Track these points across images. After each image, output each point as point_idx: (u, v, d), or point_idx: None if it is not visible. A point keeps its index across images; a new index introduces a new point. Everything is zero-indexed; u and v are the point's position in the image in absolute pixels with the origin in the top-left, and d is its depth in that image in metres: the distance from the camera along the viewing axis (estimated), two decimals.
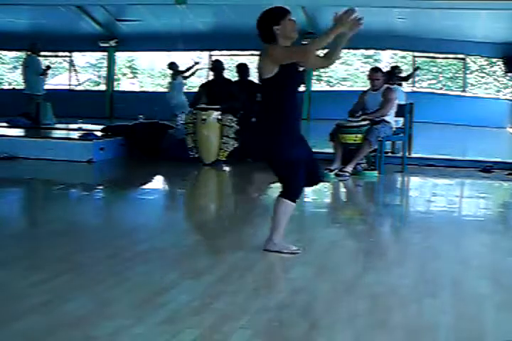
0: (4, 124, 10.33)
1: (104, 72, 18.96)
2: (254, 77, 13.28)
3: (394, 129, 7.75)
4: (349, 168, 7.29)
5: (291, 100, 3.92)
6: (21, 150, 8.10)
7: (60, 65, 21.55)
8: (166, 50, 17.69)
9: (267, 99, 3.97)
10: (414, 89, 16.98)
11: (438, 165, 8.39)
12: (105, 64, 17.91)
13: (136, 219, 5.24)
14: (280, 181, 4.02)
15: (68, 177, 7.33)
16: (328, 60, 4.03)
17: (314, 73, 18.40)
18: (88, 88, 20.38)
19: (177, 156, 8.23)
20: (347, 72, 24.50)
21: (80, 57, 21.28)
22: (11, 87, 20.62)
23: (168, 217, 5.52)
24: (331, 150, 7.60)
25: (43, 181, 7.18)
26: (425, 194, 7.04)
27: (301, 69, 3.97)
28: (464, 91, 18.23)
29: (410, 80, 13.47)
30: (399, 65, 14.13)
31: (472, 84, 20.20)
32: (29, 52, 11.53)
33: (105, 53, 17.23)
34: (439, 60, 20.52)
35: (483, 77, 21.33)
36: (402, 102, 8.38)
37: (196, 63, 12.05)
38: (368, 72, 8.12)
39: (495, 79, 20.98)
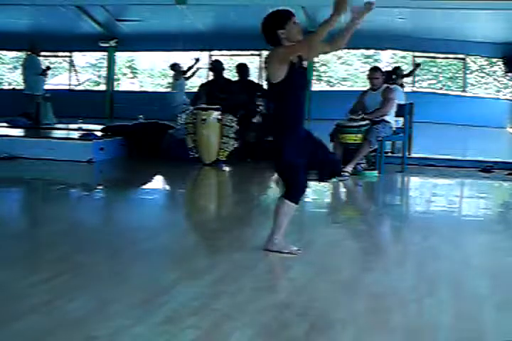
0: (4, 124, 10.33)
1: (104, 72, 18.96)
2: (254, 77, 13.33)
3: (394, 129, 7.75)
4: (349, 168, 7.29)
5: (297, 102, 3.93)
6: (21, 150, 8.10)
7: (60, 65, 21.55)
8: (166, 50, 17.69)
9: (275, 101, 3.97)
10: (414, 89, 16.99)
11: (438, 165, 8.40)
12: (105, 64, 17.91)
13: (136, 219, 5.24)
14: (283, 181, 4.02)
15: (68, 177, 7.33)
16: (333, 46, 4.00)
17: (314, 73, 18.42)
18: (88, 88, 20.37)
19: (177, 156, 8.23)
20: (347, 72, 24.50)
21: (80, 57, 21.27)
22: (11, 87, 20.61)
23: (168, 217, 5.52)
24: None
25: (43, 181, 7.18)
26: (425, 194, 7.05)
27: (304, 64, 3.95)
28: (464, 91, 18.23)
29: (410, 80, 13.47)
30: (399, 65, 14.15)
31: (472, 84, 20.19)
32: (29, 52, 11.53)
33: (105, 53, 17.23)
34: (439, 60, 20.51)
35: (483, 77, 21.31)
36: (402, 102, 8.38)
37: (197, 60, 12.02)
38: (367, 72, 8.14)
39: (495, 79, 20.97)
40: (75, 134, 8.96)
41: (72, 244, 4.20)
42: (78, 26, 15.49)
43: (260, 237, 4.22)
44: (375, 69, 7.95)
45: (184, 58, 14.55)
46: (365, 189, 7.25)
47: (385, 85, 7.84)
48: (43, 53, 12.06)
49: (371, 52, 22.08)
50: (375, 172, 7.59)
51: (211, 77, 9.15)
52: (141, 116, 9.78)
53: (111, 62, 17.10)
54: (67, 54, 18.63)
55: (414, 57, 17.93)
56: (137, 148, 8.76)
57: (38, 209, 5.74)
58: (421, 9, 11.28)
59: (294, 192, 3.99)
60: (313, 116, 15.10)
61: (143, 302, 3.08)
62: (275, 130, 3.98)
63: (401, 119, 7.98)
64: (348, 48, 17.91)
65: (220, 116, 8.04)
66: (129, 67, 24.62)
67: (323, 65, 23.19)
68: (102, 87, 18.92)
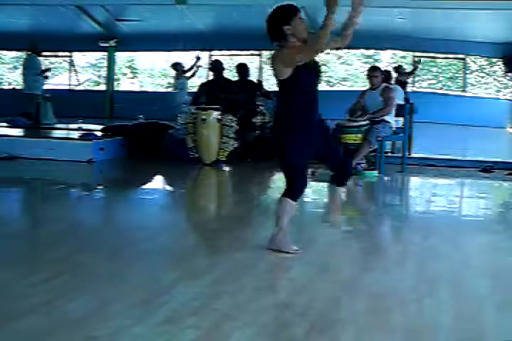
0: (4, 124, 10.33)
1: (104, 72, 18.97)
2: (254, 77, 13.31)
3: (394, 129, 7.75)
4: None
5: (303, 101, 3.90)
6: (21, 150, 8.10)
7: (60, 65, 21.55)
8: (166, 50, 17.71)
9: (282, 98, 3.97)
10: (414, 89, 16.99)
11: (438, 165, 8.40)
12: (105, 64, 17.91)
13: (136, 219, 5.24)
14: (285, 179, 4.03)
15: (68, 177, 7.33)
16: (335, 44, 3.98)
17: None
18: (88, 88, 20.38)
19: (177, 156, 8.24)
20: (347, 72, 24.51)
21: (80, 57, 21.29)
22: (11, 87, 20.61)
23: (168, 217, 5.52)
24: None
25: (43, 181, 7.18)
26: (425, 194, 7.05)
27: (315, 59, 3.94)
28: (464, 91, 18.24)
29: (410, 80, 13.48)
30: (399, 64, 14.15)
31: (472, 84, 20.20)
32: (29, 52, 11.53)
33: (105, 53, 17.23)
34: (439, 60, 20.52)
35: (483, 77, 21.32)
36: (401, 102, 8.39)
37: (198, 58, 12.02)
38: (366, 71, 8.14)
39: (495, 79, 20.97)
40: (75, 134, 8.97)
41: (72, 244, 4.20)
42: (78, 26, 15.49)
43: (260, 237, 4.22)
44: (374, 69, 7.98)
45: (184, 58, 14.54)
46: (365, 189, 7.25)
47: (384, 84, 7.85)
48: (43, 53, 12.05)
49: (371, 52, 22.09)
50: (375, 172, 7.59)
51: (211, 77, 9.14)
52: (141, 116, 9.79)
53: (111, 62, 17.10)
54: (67, 54, 18.64)
55: (414, 57, 17.92)
56: (137, 148, 8.76)
57: (38, 209, 5.74)
58: (421, 9, 11.28)
59: (293, 190, 4.00)
60: None
61: (143, 302, 3.08)
62: (280, 129, 3.97)
63: (401, 119, 7.99)
64: (348, 48, 17.89)
65: (220, 116, 8.04)
66: (129, 67, 24.63)
67: (323, 64, 23.19)
68: (102, 87, 18.93)
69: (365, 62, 22.72)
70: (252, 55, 17.81)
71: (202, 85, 9.07)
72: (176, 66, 12.25)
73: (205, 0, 11.48)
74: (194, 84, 11.84)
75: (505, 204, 6.75)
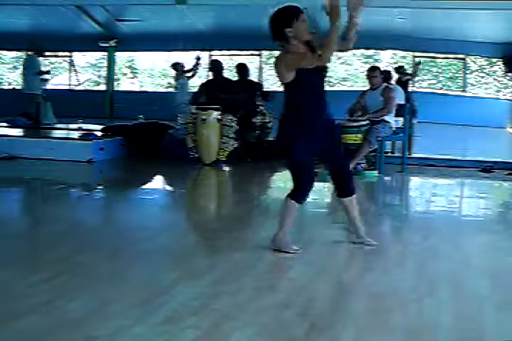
0: (4, 124, 10.33)
1: (104, 72, 18.97)
2: (254, 77, 13.31)
3: (394, 129, 7.75)
4: (350, 166, 7.28)
5: (310, 100, 3.91)
6: (21, 150, 8.10)
7: (60, 65, 21.55)
8: (166, 50, 17.72)
9: (287, 100, 3.97)
10: (414, 89, 16.98)
11: (438, 165, 8.41)
12: (105, 64, 17.92)
13: (136, 219, 5.24)
14: (292, 179, 4.04)
15: (68, 177, 7.33)
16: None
17: None
18: (88, 88, 20.38)
19: (177, 156, 8.24)
20: (347, 72, 24.51)
21: (80, 57, 21.29)
22: (11, 87, 20.62)
23: (168, 217, 5.52)
24: None
25: (43, 181, 7.18)
26: (425, 194, 7.05)
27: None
28: (464, 91, 18.24)
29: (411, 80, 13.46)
30: (399, 64, 14.11)
31: (472, 84, 20.20)
32: (30, 52, 11.52)
33: (105, 53, 17.23)
34: (439, 60, 20.52)
35: (483, 77, 21.32)
36: (402, 102, 8.39)
37: (198, 59, 12.00)
38: (366, 72, 8.13)
39: (495, 79, 20.98)
40: (75, 134, 8.97)
41: (72, 244, 4.20)
42: (78, 26, 15.50)
43: (260, 237, 4.22)
44: (373, 69, 7.96)
45: (184, 58, 14.54)
46: (365, 189, 7.25)
47: (385, 84, 7.85)
48: (45, 53, 12.04)
49: (371, 52, 22.09)
50: (375, 172, 7.59)
51: (211, 77, 9.15)
52: (141, 116, 9.79)
53: (111, 62, 17.10)
54: (67, 54, 18.66)
55: (414, 57, 17.93)
56: (137, 148, 8.77)
57: (38, 209, 5.74)
58: (421, 9, 11.28)
59: (298, 192, 4.01)
60: None
61: (143, 302, 3.08)
62: (287, 130, 3.97)
63: (401, 119, 7.98)
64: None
65: (220, 116, 8.04)
66: (129, 67, 24.63)
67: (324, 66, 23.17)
68: (102, 87, 18.93)
69: (365, 62, 22.72)
70: (252, 55, 17.82)
71: (202, 85, 9.07)
72: (176, 66, 12.22)
73: (205, 0, 11.47)
74: (194, 84, 11.83)
75: (505, 204, 6.75)
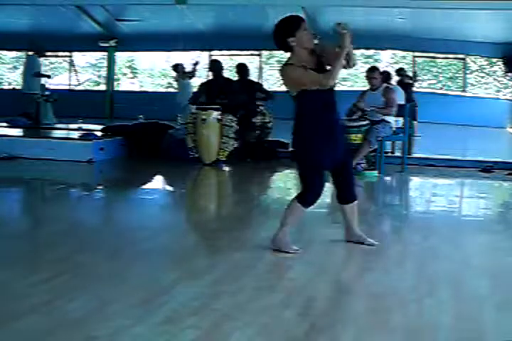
0: (4, 124, 10.33)
1: (104, 72, 18.96)
2: (254, 77, 13.31)
3: (394, 129, 7.75)
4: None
5: (320, 104, 3.92)
6: (21, 150, 8.10)
7: (60, 65, 21.55)
8: (166, 50, 17.72)
9: (298, 107, 3.97)
10: (414, 89, 16.97)
11: (438, 165, 8.41)
12: (105, 64, 17.91)
13: (136, 219, 5.24)
14: (302, 181, 4.06)
15: (68, 177, 7.33)
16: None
17: None
18: (88, 88, 20.37)
19: (177, 156, 8.24)
20: (347, 71, 24.49)
21: (80, 57, 21.28)
22: (11, 87, 20.61)
23: (168, 217, 5.52)
24: None
25: (43, 181, 7.18)
26: (425, 194, 7.05)
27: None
28: (464, 91, 18.23)
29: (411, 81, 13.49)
30: (398, 65, 14.14)
31: (472, 84, 20.19)
32: (31, 53, 11.51)
33: (105, 53, 17.23)
34: (439, 60, 20.51)
35: (483, 77, 21.31)
36: (402, 102, 8.39)
37: (196, 64, 12.01)
38: (365, 72, 8.10)
39: (495, 79, 20.97)
40: (75, 134, 8.97)
41: (72, 244, 4.20)
42: (78, 26, 15.49)
43: (260, 237, 4.22)
44: (373, 70, 7.92)
45: (184, 58, 14.55)
46: (365, 189, 7.24)
47: (385, 85, 7.85)
48: (46, 53, 12.02)
49: (371, 52, 22.06)
50: (375, 172, 7.59)
51: (211, 77, 9.14)
52: (141, 116, 9.78)
53: (111, 62, 17.10)
54: (67, 54, 18.65)
55: (414, 57, 17.93)
56: (137, 148, 8.77)
57: (38, 209, 5.74)
58: (421, 9, 11.28)
59: (305, 196, 4.02)
60: None
61: (143, 302, 3.08)
62: (299, 135, 3.99)
63: (401, 119, 7.98)
64: None
65: (220, 116, 8.04)
66: (129, 67, 24.61)
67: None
68: (102, 87, 18.92)
69: (365, 62, 22.66)
70: (252, 55, 17.81)
71: (202, 85, 9.07)
72: (177, 67, 12.24)
73: (205, 0, 11.47)
74: (194, 84, 11.83)
75: (505, 204, 6.75)
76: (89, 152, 8.11)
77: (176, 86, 12.98)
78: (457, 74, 20.16)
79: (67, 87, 18.26)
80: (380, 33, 14.31)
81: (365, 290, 3.44)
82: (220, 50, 16.80)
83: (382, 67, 15.67)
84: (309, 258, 3.95)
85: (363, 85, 15.79)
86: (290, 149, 7.63)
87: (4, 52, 22.43)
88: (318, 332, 2.82)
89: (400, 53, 21.02)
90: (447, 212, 5.87)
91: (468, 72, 18.96)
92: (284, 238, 4.02)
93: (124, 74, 23.91)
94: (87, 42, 16.39)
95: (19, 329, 2.73)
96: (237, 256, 3.91)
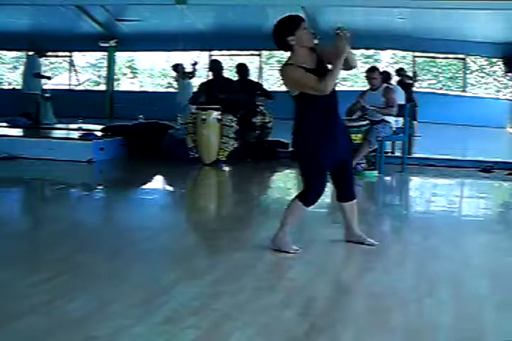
0: (4, 124, 10.33)
1: (104, 72, 18.96)
2: (254, 77, 13.31)
3: (394, 129, 7.75)
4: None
5: (318, 111, 3.92)
6: (21, 150, 8.10)
7: (60, 65, 21.54)
8: (166, 50, 17.72)
9: (296, 109, 3.98)
10: (414, 89, 16.98)
11: (438, 165, 8.40)
12: (105, 64, 17.91)
13: (136, 219, 5.24)
14: (303, 183, 4.06)
15: (68, 177, 7.33)
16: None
17: None
18: (88, 88, 20.37)
19: (177, 156, 8.24)
20: (347, 72, 24.48)
21: (80, 57, 21.28)
22: (11, 87, 20.61)
23: (168, 216, 5.52)
24: None
25: (43, 181, 7.18)
26: (425, 194, 7.05)
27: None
28: (464, 91, 18.23)
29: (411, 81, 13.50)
30: (398, 65, 14.13)
31: (472, 84, 20.18)
32: (32, 53, 11.50)
33: (105, 53, 17.23)
34: (439, 60, 20.51)
35: (483, 77, 21.31)
36: (402, 102, 8.39)
37: (194, 64, 12.02)
38: (365, 73, 8.09)
39: (495, 79, 20.96)
40: (75, 134, 8.97)
41: (72, 244, 4.20)
42: (78, 26, 15.49)
43: (260, 237, 4.22)
44: (372, 70, 7.90)
45: (184, 58, 14.54)
46: (365, 189, 7.24)
47: (385, 85, 7.85)
48: (47, 53, 12.01)
49: (371, 52, 22.06)
50: (375, 173, 7.59)
51: (211, 77, 9.14)
52: (141, 116, 9.78)
53: (111, 62, 17.09)
54: (67, 54, 18.64)
55: (414, 57, 17.93)
56: (137, 148, 8.77)
57: (38, 209, 5.74)
58: (421, 9, 11.28)
59: (307, 195, 4.01)
60: None
61: (143, 302, 3.08)
62: (296, 136, 4.01)
63: (401, 119, 7.98)
64: None
65: (220, 116, 8.04)
66: (129, 67, 24.61)
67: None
68: (102, 87, 18.92)
69: (365, 62, 22.67)
70: (252, 55, 17.81)
71: (202, 85, 9.07)
72: (177, 67, 12.24)
73: (205, 0, 11.47)
74: (194, 84, 11.83)
75: (505, 204, 6.75)
76: (89, 152, 8.11)
77: (176, 86, 12.99)
78: (457, 74, 20.17)
79: (67, 87, 18.27)
80: (380, 33, 14.31)
81: (365, 290, 3.44)
82: (220, 50, 16.80)
83: (382, 67, 15.68)
84: (309, 258, 3.95)
85: (362, 85, 15.80)
86: (290, 149, 7.64)
87: (4, 52, 22.43)
88: (318, 332, 2.82)
89: (400, 53, 21.02)
90: (447, 212, 5.87)
91: (468, 72, 18.96)
92: (284, 238, 4.02)
93: (124, 74, 23.91)
94: (87, 42, 16.39)
95: (19, 329, 2.73)
96: (237, 256, 3.91)
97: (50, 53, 14.29)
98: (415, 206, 6.40)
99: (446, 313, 3.05)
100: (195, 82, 11.35)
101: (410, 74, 13.04)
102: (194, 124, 8.09)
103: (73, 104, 14.02)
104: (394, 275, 3.68)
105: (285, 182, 7.81)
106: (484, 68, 21.06)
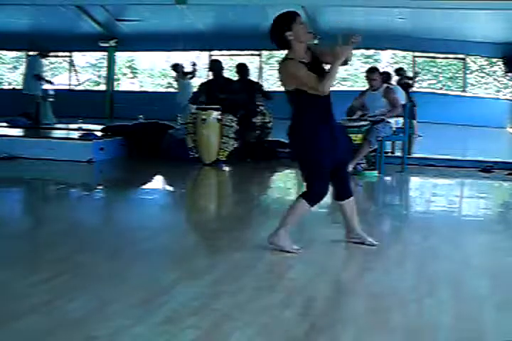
0: (4, 124, 10.33)
1: (104, 72, 18.96)
2: (254, 77, 13.31)
3: (394, 129, 7.75)
4: (349, 168, 7.26)
5: (315, 107, 3.93)
6: (21, 150, 8.10)
7: (60, 65, 21.54)
8: (166, 50, 17.72)
9: (293, 105, 3.98)
10: (414, 89, 16.98)
11: (438, 165, 8.41)
12: (105, 64, 17.92)
13: (136, 219, 5.24)
14: (305, 182, 4.05)
15: (68, 177, 7.33)
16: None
17: None
18: (88, 88, 20.37)
19: (177, 156, 8.24)
20: (347, 72, 24.49)
21: (80, 57, 21.28)
22: (11, 87, 20.62)
23: (168, 216, 5.52)
24: None
25: (43, 181, 7.18)
26: (425, 194, 7.05)
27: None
28: (464, 91, 18.23)
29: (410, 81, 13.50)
30: (399, 65, 14.13)
31: (472, 84, 20.19)
32: (31, 53, 11.49)
33: (105, 53, 17.23)
34: (439, 60, 20.51)
35: (483, 77, 21.31)
36: (402, 102, 8.38)
37: (194, 65, 12.02)
38: (365, 73, 8.09)
39: (495, 79, 20.96)
40: (75, 134, 8.97)
41: (72, 244, 4.20)
42: (78, 26, 15.50)
43: (260, 237, 4.22)
44: (372, 71, 7.88)
45: (184, 58, 14.55)
46: (365, 189, 7.25)
47: (385, 85, 7.84)
48: (50, 53, 12.01)
49: (371, 52, 22.07)
50: (375, 173, 7.59)
51: (211, 77, 9.15)
52: (141, 116, 9.79)
53: (111, 62, 17.10)
54: (67, 54, 18.64)
55: (414, 57, 17.92)
56: (137, 148, 8.77)
57: (38, 210, 5.74)
58: (421, 9, 11.28)
59: (311, 194, 4.00)
60: None
61: (143, 302, 3.08)
62: (295, 137, 4.00)
63: (401, 119, 7.98)
64: None
65: (220, 116, 8.04)
66: (129, 67, 24.61)
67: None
68: (102, 87, 18.92)
69: (365, 62, 22.70)
70: (252, 55, 17.81)
71: (202, 85, 9.07)
72: (176, 67, 12.24)
73: (205, 0, 11.48)
74: (194, 84, 11.84)
75: (505, 204, 6.75)
76: (89, 152, 8.11)
77: (176, 86, 13.00)
78: (457, 74, 20.17)
79: (67, 87, 18.27)
80: (380, 33, 14.30)
81: (365, 290, 3.44)
82: (220, 50, 16.80)
83: (382, 67, 15.69)
84: (309, 258, 3.95)
85: (362, 85, 15.80)
86: (287, 150, 7.62)
87: (4, 52, 22.43)
88: (318, 332, 2.82)
89: (400, 53, 21.02)
90: (447, 212, 5.87)
91: (468, 72, 18.96)
92: (284, 237, 4.02)
93: (124, 74, 23.91)
94: (87, 42, 16.40)
95: (19, 329, 2.73)
96: (237, 256, 3.91)
97: (51, 53, 14.32)
98: (415, 206, 6.40)
99: (446, 313, 3.05)
100: (195, 82, 11.36)
101: (410, 74, 13.04)
102: (194, 124, 8.09)
103: (73, 104, 14.03)
104: (394, 275, 3.68)
105: (285, 182, 7.82)
106: (484, 68, 21.07)
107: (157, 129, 8.96)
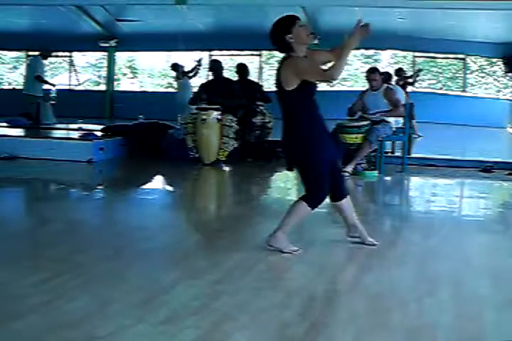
0: (4, 124, 10.33)
1: (104, 72, 18.97)
2: (254, 77, 13.32)
3: (394, 129, 7.75)
4: (349, 168, 7.28)
5: (313, 109, 3.94)
6: (21, 150, 8.10)
7: (60, 65, 21.54)
8: (166, 50, 17.69)
9: (289, 107, 3.96)
10: (414, 89, 16.99)
11: (438, 165, 8.40)
12: (105, 64, 17.93)
13: (136, 219, 5.24)
14: (304, 185, 4.04)
15: (68, 177, 7.33)
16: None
17: None
18: (88, 88, 20.37)
19: (177, 156, 8.24)
20: (347, 72, 24.46)
21: (80, 57, 21.28)
22: (11, 87, 20.62)
23: (168, 216, 5.52)
24: None
25: (43, 181, 7.18)
26: (425, 194, 7.05)
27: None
28: (464, 91, 18.23)
29: (411, 80, 13.51)
30: (399, 65, 14.13)
31: (472, 84, 20.18)
32: (33, 53, 11.49)
33: (105, 53, 17.25)
34: (439, 60, 20.51)
35: (483, 77, 21.30)
36: (402, 102, 8.38)
37: (199, 61, 12.02)
38: (365, 73, 8.08)
39: (495, 79, 20.96)
40: (75, 134, 8.97)
41: (72, 244, 4.20)
42: (78, 26, 15.51)
43: (260, 237, 4.21)
44: (372, 71, 7.87)
45: (184, 58, 14.55)
46: (365, 189, 7.25)
47: (385, 85, 7.84)
48: (52, 54, 12.00)
49: (371, 52, 22.06)
50: (375, 173, 7.59)
51: (211, 77, 9.15)
52: (141, 116, 9.79)
53: (111, 62, 17.11)
54: (67, 54, 18.64)
55: (414, 57, 17.92)
56: (137, 148, 8.77)
57: (37, 209, 5.74)
58: (421, 9, 11.29)
59: (311, 197, 4.00)
60: None
61: (143, 302, 3.08)
62: (292, 137, 3.98)
63: (401, 119, 7.98)
64: None
65: (220, 116, 8.04)
66: (129, 67, 24.60)
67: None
68: (102, 87, 18.93)
69: (365, 62, 22.70)
70: (252, 55, 17.82)
71: (202, 86, 9.07)
72: (176, 67, 12.24)
73: (205, 0, 11.48)
74: (194, 84, 11.84)
75: (505, 204, 6.75)
76: (89, 152, 8.11)
77: (176, 86, 13.00)
78: (457, 74, 20.16)
79: (67, 87, 18.27)
80: (380, 33, 14.27)
81: (365, 290, 3.44)
82: (220, 50, 16.81)
83: (382, 67, 15.69)
84: (309, 259, 3.95)
85: (362, 85, 15.80)
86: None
87: (4, 52, 22.43)
88: (318, 332, 2.82)
89: (400, 53, 21.02)
90: (447, 212, 5.87)
91: (468, 72, 18.96)
92: (283, 238, 4.01)
93: (124, 74, 23.90)
94: (87, 42, 16.41)
95: (19, 330, 2.73)
96: (237, 256, 3.91)
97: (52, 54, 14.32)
98: (415, 206, 6.40)
99: (446, 313, 3.05)
100: (196, 82, 11.36)
101: (411, 74, 13.04)
102: (194, 124, 8.09)
103: (73, 104, 14.03)
104: (394, 276, 3.68)
105: (285, 182, 7.81)
106: (484, 68, 21.06)
107: (157, 129, 8.96)
